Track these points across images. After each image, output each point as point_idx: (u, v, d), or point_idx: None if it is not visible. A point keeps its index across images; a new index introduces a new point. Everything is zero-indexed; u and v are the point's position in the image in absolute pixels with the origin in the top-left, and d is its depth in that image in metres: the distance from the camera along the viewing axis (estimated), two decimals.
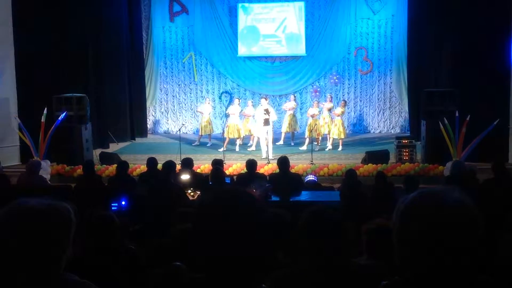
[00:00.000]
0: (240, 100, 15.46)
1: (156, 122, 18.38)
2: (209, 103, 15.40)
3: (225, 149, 13.69)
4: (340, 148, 14.34)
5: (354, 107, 17.72)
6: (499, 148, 12.13)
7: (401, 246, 1.57)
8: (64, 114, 12.43)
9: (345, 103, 15.36)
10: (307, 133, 14.21)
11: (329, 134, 14.43)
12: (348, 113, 17.62)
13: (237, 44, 17.59)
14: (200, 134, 15.21)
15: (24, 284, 1.84)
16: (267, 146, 13.15)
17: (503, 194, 6.89)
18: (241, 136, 14.48)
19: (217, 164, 8.63)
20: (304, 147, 14.23)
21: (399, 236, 1.58)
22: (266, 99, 14.12)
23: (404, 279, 1.60)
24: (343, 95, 17.65)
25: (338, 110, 14.38)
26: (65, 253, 1.91)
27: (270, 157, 12.83)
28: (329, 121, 14.46)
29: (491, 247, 3.40)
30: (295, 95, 16.59)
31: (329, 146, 14.46)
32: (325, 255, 2.47)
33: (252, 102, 15.33)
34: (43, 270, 1.86)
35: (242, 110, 14.87)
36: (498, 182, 7.71)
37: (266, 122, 13.23)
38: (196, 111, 16.68)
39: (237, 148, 14.35)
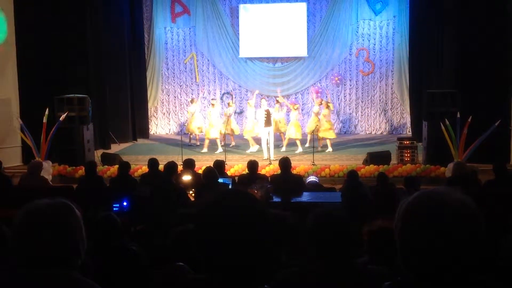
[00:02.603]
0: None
1: (157, 123, 18.39)
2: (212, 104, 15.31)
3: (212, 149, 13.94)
4: (330, 149, 14.26)
5: (356, 108, 17.72)
6: (500, 149, 12.11)
7: (403, 246, 1.57)
8: (65, 114, 12.43)
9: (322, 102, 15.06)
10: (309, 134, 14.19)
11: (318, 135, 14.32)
12: (350, 113, 17.66)
13: (238, 45, 17.60)
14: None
15: (30, 280, 1.87)
16: (268, 146, 13.16)
17: (505, 195, 6.89)
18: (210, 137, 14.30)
19: (218, 165, 8.64)
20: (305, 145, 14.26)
21: (401, 236, 1.58)
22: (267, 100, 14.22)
23: (407, 279, 1.60)
24: (345, 96, 17.67)
25: (326, 111, 14.26)
26: (79, 251, 1.95)
27: (272, 157, 12.83)
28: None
29: (493, 248, 3.40)
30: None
31: (319, 147, 14.37)
32: (331, 256, 2.48)
33: (249, 101, 15.30)
34: (57, 267, 1.90)
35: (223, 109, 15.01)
36: (500, 183, 7.71)
37: (267, 123, 13.25)
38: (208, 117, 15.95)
39: (212, 149, 14.26)
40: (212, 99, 15.72)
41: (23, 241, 1.90)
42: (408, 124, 16.96)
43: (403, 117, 17.47)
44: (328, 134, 14.16)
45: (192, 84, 18.17)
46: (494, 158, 9.19)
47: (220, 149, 14.13)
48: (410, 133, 16.08)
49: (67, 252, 1.92)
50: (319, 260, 2.51)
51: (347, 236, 2.53)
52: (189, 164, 8.66)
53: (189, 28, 17.97)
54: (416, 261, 1.54)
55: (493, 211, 4.87)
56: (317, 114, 14.24)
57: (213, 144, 14.68)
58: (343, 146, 15.09)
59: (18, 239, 1.91)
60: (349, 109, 17.73)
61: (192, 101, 15.35)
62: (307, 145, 14.23)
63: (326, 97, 16.11)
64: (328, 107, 14.30)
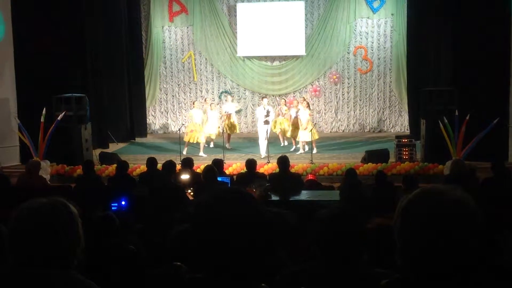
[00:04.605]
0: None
1: (155, 122, 18.38)
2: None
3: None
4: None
5: (354, 107, 17.73)
6: (498, 147, 12.11)
7: (402, 244, 1.57)
8: (63, 114, 12.42)
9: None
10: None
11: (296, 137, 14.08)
12: (348, 112, 17.69)
13: (236, 43, 17.59)
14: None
15: (31, 279, 1.87)
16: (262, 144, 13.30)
17: (503, 193, 6.90)
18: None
19: (217, 164, 8.63)
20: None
21: (400, 234, 1.58)
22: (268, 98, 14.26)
23: (405, 277, 1.60)
24: (343, 94, 17.68)
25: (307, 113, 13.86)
26: (77, 249, 1.95)
27: (263, 155, 12.99)
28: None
29: (491, 245, 3.40)
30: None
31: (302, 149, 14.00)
32: (339, 256, 2.45)
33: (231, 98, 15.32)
34: (56, 267, 1.89)
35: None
36: (498, 181, 7.71)
37: (267, 121, 13.34)
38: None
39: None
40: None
41: (18, 240, 1.90)
42: (406, 122, 16.97)
43: (401, 115, 17.47)
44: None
45: (190, 83, 18.16)
46: (492, 156, 9.20)
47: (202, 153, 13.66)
48: (408, 131, 16.09)
49: (62, 251, 1.91)
50: (324, 259, 2.49)
51: (358, 237, 2.51)
52: (187, 163, 8.65)
53: (187, 27, 17.95)
54: (415, 259, 1.54)
55: (491, 209, 4.87)
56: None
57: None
58: (342, 145, 15.10)
59: (13, 238, 1.91)
60: (347, 108, 17.73)
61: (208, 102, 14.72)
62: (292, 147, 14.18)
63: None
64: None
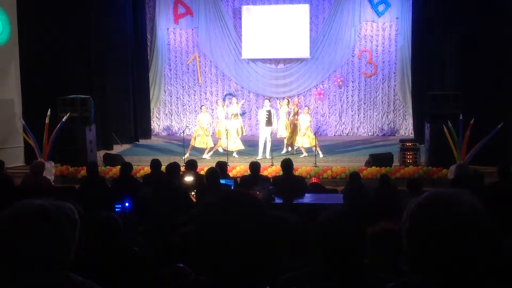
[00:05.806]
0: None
1: (160, 124, 18.40)
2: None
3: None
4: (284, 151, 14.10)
5: (358, 110, 17.72)
6: (502, 152, 12.07)
7: (410, 246, 1.57)
8: (67, 115, 12.44)
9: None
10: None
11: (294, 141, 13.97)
12: (352, 115, 17.67)
13: (241, 46, 17.61)
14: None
15: (29, 283, 1.85)
16: (265, 146, 13.30)
17: (508, 197, 6.87)
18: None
19: (220, 166, 8.63)
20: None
21: (408, 236, 1.58)
22: (270, 100, 14.23)
23: (411, 280, 1.59)
24: (347, 98, 17.67)
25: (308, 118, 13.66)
26: (70, 252, 1.92)
27: (268, 156, 13.01)
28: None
29: (496, 249, 3.40)
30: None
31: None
32: (342, 257, 2.45)
33: (236, 99, 15.14)
34: (47, 269, 1.87)
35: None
36: (503, 185, 7.69)
37: (269, 122, 13.36)
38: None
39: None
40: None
41: (7, 242, 1.85)
42: (411, 126, 16.94)
43: (406, 118, 17.46)
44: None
45: (194, 85, 18.19)
46: (496, 160, 9.17)
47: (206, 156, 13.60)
48: (413, 135, 16.06)
49: (54, 253, 1.88)
50: (324, 261, 2.49)
51: (358, 238, 2.50)
52: (191, 165, 8.66)
53: (192, 29, 17.99)
54: (422, 261, 1.53)
55: (496, 213, 4.86)
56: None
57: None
58: (346, 148, 15.08)
59: (3, 239, 1.86)
60: (352, 111, 17.72)
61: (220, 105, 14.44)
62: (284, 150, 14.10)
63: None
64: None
